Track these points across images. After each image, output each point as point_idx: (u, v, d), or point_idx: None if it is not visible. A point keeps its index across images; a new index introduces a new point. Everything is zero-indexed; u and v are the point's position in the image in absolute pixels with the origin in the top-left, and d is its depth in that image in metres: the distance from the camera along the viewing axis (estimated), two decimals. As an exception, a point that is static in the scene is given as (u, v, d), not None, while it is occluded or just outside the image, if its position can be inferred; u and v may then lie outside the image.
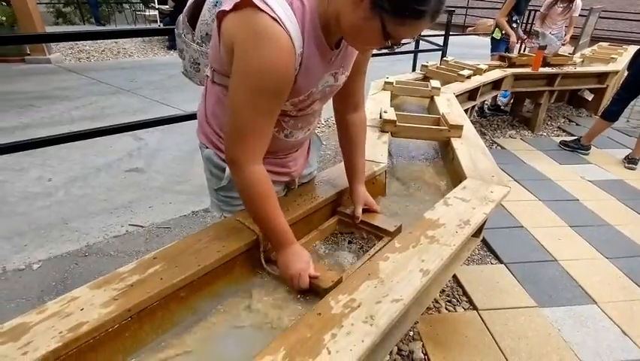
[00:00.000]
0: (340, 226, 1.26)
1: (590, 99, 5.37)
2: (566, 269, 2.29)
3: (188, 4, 1.11)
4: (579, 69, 4.42)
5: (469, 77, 3.34)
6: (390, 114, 1.96)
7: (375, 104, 2.37)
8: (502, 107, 5.17)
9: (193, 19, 1.10)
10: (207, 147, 1.15)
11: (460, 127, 1.88)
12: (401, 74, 3.49)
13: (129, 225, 2.50)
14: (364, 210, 1.23)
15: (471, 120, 3.45)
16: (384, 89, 2.74)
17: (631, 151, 3.76)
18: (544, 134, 4.56)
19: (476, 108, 4.48)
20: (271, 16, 0.78)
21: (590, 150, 3.97)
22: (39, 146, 2.29)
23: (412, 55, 5.64)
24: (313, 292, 0.97)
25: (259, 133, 0.90)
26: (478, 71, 3.54)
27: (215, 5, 1.03)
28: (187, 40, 1.14)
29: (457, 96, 2.78)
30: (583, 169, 3.65)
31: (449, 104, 2.46)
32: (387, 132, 1.89)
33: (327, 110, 1.19)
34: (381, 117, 1.98)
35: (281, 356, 0.70)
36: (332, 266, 1.10)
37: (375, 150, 1.68)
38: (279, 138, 1.07)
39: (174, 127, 3.09)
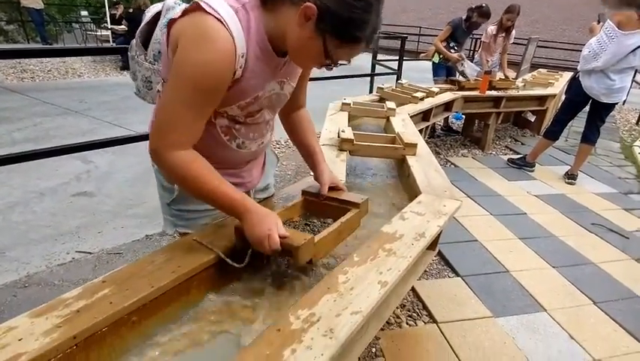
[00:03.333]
0: (306, 205, 1.24)
1: (532, 120, 5.75)
2: (517, 279, 2.39)
3: (140, 27, 1.12)
4: (521, 92, 4.74)
5: (422, 99, 3.49)
6: (348, 133, 2.00)
7: (334, 124, 2.42)
8: (453, 128, 5.42)
9: (146, 42, 1.12)
10: None
11: (414, 145, 1.94)
12: (358, 96, 3.59)
13: (76, 252, 2.35)
14: (330, 189, 1.24)
15: (425, 140, 3.59)
16: (341, 110, 2.80)
17: (570, 167, 4.05)
18: (493, 152, 4.81)
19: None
20: (216, 18, 0.83)
21: (534, 167, 4.23)
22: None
23: (369, 78, 5.84)
24: (285, 253, 0.94)
25: (183, 127, 0.90)
26: (430, 94, 3.71)
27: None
28: (140, 60, 1.15)
29: (411, 117, 2.88)
30: (529, 185, 3.87)
31: (404, 124, 2.54)
32: (345, 151, 1.93)
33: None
34: (339, 136, 2.02)
35: (239, 375, 0.67)
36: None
37: (334, 168, 1.69)
38: (232, 148, 1.07)
39: (127, 148, 2.98)
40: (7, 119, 4.59)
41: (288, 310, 0.83)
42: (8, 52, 2.79)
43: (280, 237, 0.92)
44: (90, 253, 2.36)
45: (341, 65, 0.96)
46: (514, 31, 5.02)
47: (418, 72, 5.06)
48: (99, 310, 0.78)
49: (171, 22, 0.91)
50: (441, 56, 4.85)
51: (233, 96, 0.95)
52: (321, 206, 1.21)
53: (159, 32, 1.07)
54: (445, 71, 4.98)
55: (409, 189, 1.76)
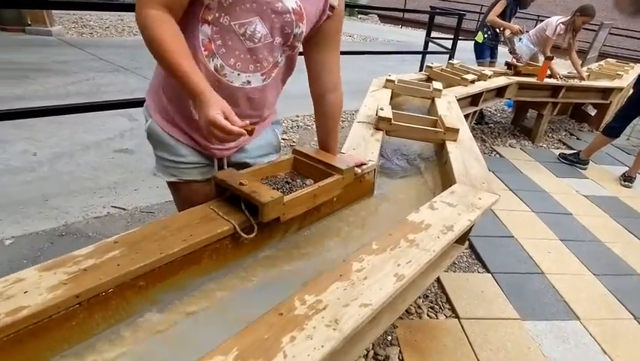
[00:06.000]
0: (295, 163, 1.25)
1: (592, 114, 5.33)
2: (552, 283, 2.25)
3: None
4: (584, 83, 4.37)
5: (472, 81, 3.28)
6: (387, 112, 1.90)
7: (374, 101, 2.32)
8: (482, 114, 5.02)
9: None
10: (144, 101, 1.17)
11: (455, 130, 1.82)
12: (405, 74, 3.43)
13: (112, 206, 2.44)
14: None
15: (471, 126, 3.40)
16: (385, 87, 2.68)
17: (628, 169, 3.72)
18: (544, 145, 4.52)
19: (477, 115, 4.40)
20: None
21: (587, 165, 3.93)
22: (27, 116, 2.23)
23: (420, 56, 5.60)
24: (249, 207, 0.96)
25: None
26: (482, 77, 3.49)
27: None
28: None
29: (458, 100, 2.72)
30: (579, 184, 3.61)
31: (449, 107, 2.40)
32: (382, 130, 1.84)
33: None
34: (377, 114, 1.93)
35: (232, 356, 0.65)
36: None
37: (367, 147, 1.62)
38: (209, 69, 0.99)
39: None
40: (64, 72, 4.78)
41: (294, 294, 0.79)
42: (65, 3, 2.83)
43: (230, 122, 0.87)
44: (125, 209, 2.44)
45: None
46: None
47: (472, 52, 4.76)
48: (105, 271, 0.78)
49: None
50: (486, 36, 4.48)
51: None
52: (307, 166, 1.22)
53: None
54: (489, 52, 4.61)
55: (444, 176, 1.66)
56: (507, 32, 4.35)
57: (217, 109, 0.86)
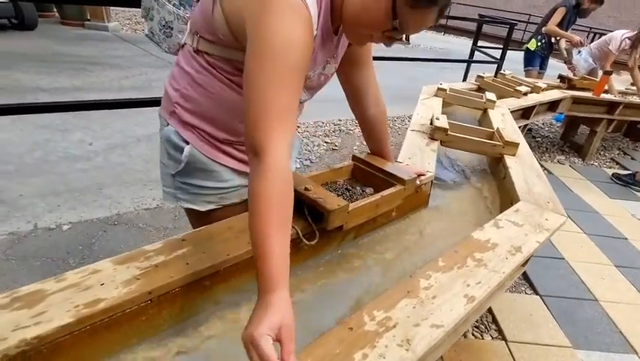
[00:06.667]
0: (354, 170, 1.25)
1: (651, 133, 5.03)
2: (606, 311, 2.12)
3: None
4: (645, 100, 4.13)
5: (525, 93, 3.16)
6: (443, 122, 1.85)
7: (426, 109, 2.27)
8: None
9: None
10: (168, 125, 1.02)
11: (515, 145, 1.75)
12: (451, 83, 3.34)
13: (161, 199, 2.50)
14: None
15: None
16: (436, 95, 2.62)
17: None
18: (596, 164, 4.30)
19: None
20: None
21: (645, 188, 3.71)
22: (87, 108, 2.32)
23: (464, 65, 5.45)
24: (317, 214, 0.94)
25: (285, 112, 0.75)
26: (535, 89, 3.36)
27: None
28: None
29: (510, 112, 2.62)
30: (634, 207, 3.40)
31: (503, 120, 2.32)
32: (437, 140, 1.79)
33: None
34: (432, 124, 1.88)
35: (305, 370, 0.63)
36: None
37: (423, 157, 1.58)
38: None
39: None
40: (119, 66, 4.98)
41: (363, 309, 0.77)
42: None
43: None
44: (172, 202, 2.50)
45: (399, 40, 0.84)
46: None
47: (520, 64, 4.62)
48: (176, 269, 0.78)
49: None
50: (539, 44, 4.33)
51: None
52: (367, 175, 1.20)
53: None
54: (539, 61, 4.46)
55: (503, 192, 1.59)
56: (563, 43, 4.18)
57: (272, 326, 0.62)
